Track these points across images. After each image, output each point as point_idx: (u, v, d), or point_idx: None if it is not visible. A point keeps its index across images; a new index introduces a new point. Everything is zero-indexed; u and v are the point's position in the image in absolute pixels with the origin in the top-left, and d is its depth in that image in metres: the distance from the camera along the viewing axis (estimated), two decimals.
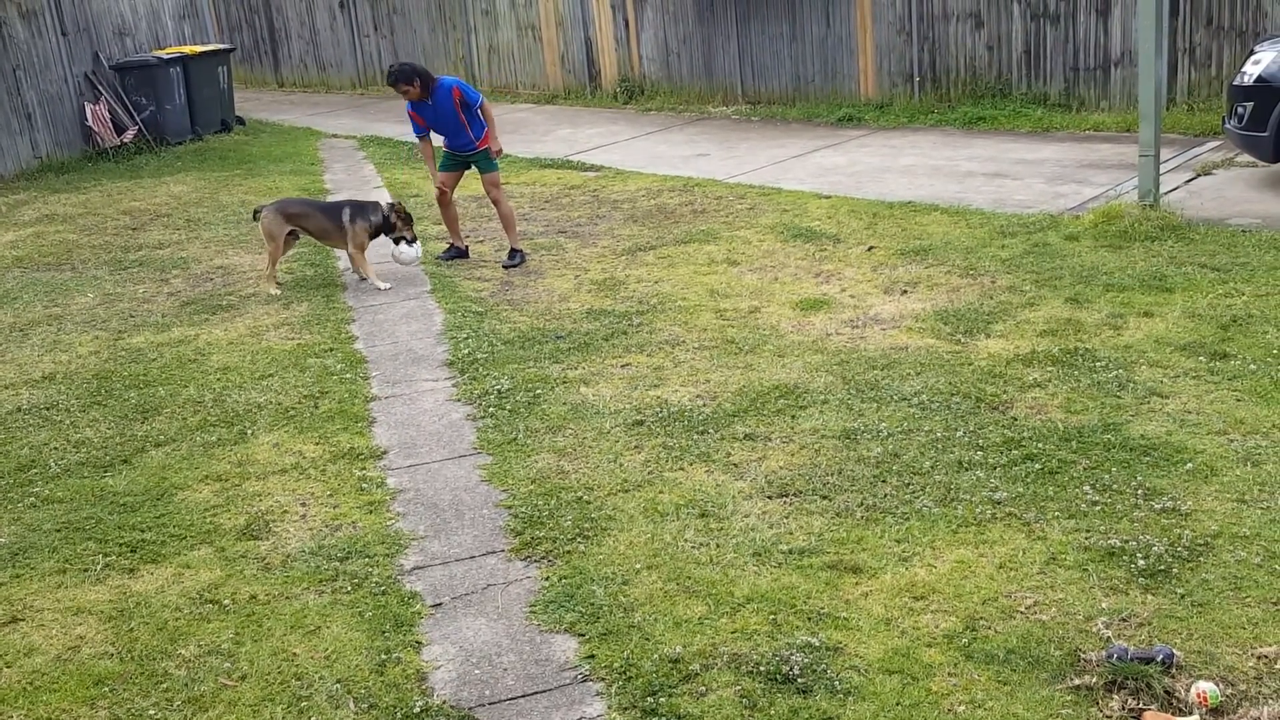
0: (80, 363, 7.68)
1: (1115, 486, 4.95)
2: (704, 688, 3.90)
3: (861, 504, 5.00)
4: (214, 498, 5.61)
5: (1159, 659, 3.76)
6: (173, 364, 7.51)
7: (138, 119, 15.87)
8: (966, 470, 5.21)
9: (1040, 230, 8.74)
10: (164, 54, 16.28)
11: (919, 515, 4.88)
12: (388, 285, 8.95)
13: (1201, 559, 4.39)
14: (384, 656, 4.24)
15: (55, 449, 6.31)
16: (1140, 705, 3.64)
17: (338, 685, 4.09)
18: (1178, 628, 4.01)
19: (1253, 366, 6.02)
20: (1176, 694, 3.67)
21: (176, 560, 5.05)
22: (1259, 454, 5.13)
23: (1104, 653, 3.85)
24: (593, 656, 4.13)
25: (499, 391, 6.58)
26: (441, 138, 9.31)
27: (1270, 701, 3.61)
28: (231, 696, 4.08)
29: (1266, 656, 3.82)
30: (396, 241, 8.99)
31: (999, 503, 4.91)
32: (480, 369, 6.97)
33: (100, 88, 15.76)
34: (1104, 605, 4.17)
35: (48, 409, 6.89)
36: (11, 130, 14.74)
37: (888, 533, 4.77)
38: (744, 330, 7.26)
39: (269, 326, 8.15)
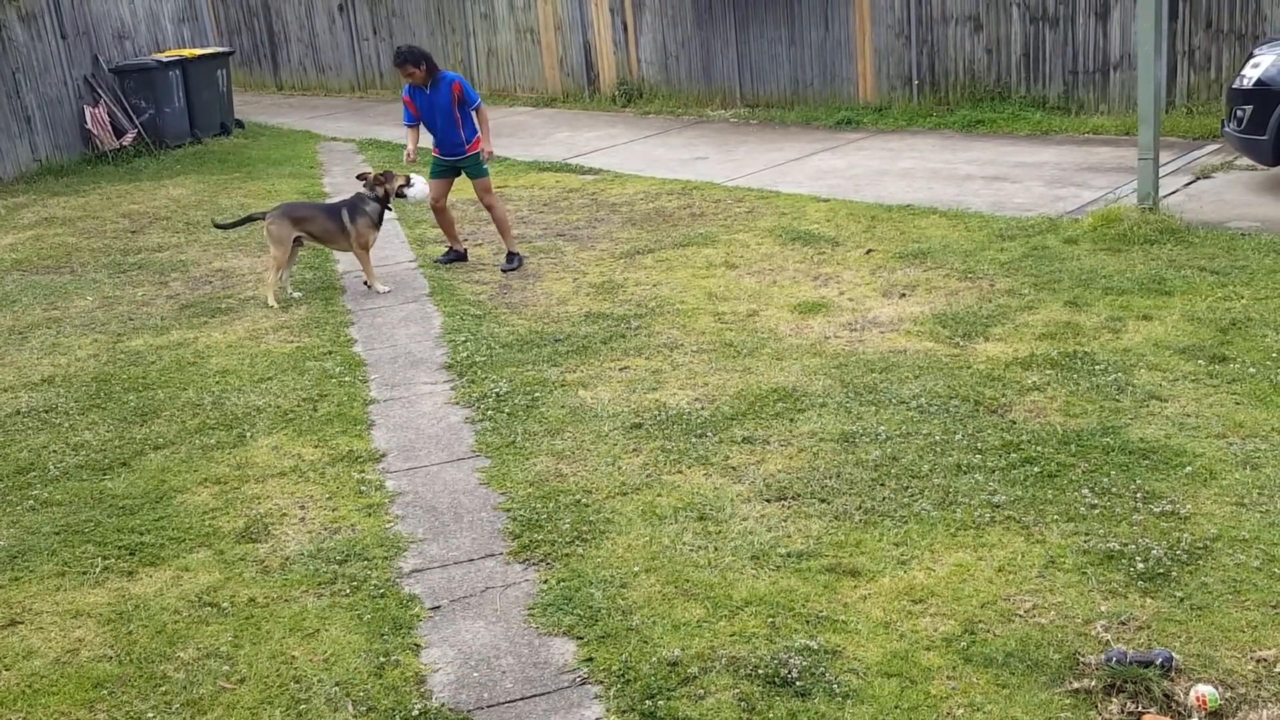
0: (79, 365, 7.68)
1: (1114, 490, 4.95)
2: (702, 691, 3.90)
3: (860, 507, 5.00)
4: (213, 500, 5.60)
5: (1158, 662, 3.75)
6: (172, 367, 7.51)
7: (137, 122, 15.87)
8: (965, 473, 5.21)
9: (1039, 233, 8.74)
10: (163, 57, 16.30)
11: (917, 518, 4.87)
12: (387, 289, 8.94)
13: (1200, 562, 4.39)
14: (382, 659, 4.24)
15: (54, 452, 6.30)
16: (1139, 708, 3.64)
17: (336, 688, 4.08)
18: (1177, 631, 4.01)
19: (1252, 370, 6.02)
20: (1176, 697, 3.67)
21: (175, 563, 5.04)
22: (1258, 457, 5.13)
23: (1103, 656, 3.84)
24: (591, 659, 4.13)
25: (497, 394, 6.58)
26: (431, 139, 9.31)
27: (1269, 704, 3.61)
28: (230, 699, 4.08)
29: (1265, 660, 3.82)
30: (400, 195, 8.99)
31: (998, 506, 4.91)
32: (479, 372, 6.97)
33: (99, 91, 15.76)
34: (1103, 608, 4.17)
35: (47, 412, 6.89)
36: (11, 133, 14.74)
37: (886, 536, 4.76)
38: (742, 333, 7.26)
39: (268, 329, 8.15)
